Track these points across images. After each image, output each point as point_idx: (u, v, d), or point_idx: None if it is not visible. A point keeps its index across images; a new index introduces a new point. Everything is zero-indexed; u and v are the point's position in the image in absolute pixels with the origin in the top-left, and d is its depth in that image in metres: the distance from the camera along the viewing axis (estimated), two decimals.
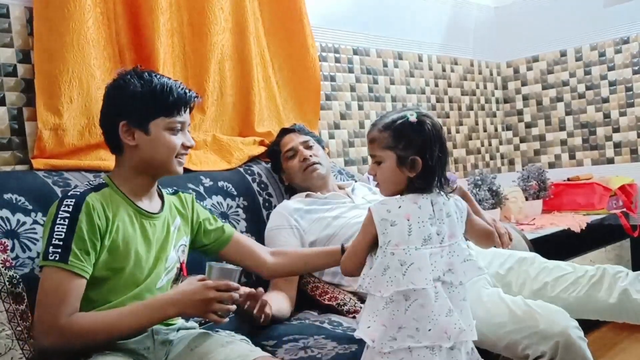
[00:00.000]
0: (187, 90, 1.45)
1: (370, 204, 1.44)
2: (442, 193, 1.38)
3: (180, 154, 1.46)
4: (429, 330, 1.31)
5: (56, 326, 1.25)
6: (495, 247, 2.01)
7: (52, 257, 1.27)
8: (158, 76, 1.43)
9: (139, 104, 1.39)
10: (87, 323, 1.28)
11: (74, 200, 1.32)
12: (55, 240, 1.28)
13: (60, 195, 1.60)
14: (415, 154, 1.34)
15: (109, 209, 1.36)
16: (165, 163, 1.44)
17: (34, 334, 1.30)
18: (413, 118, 1.35)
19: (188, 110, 1.46)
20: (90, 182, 1.43)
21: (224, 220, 1.73)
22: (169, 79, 1.45)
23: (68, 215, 1.30)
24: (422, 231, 1.34)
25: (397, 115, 1.38)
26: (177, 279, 1.52)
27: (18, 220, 1.56)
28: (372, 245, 1.37)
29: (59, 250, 1.28)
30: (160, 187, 1.55)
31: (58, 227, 1.29)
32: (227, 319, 1.35)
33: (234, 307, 1.34)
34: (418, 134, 1.34)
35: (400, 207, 1.34)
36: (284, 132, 2.23)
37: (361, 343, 1.45)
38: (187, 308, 1.31)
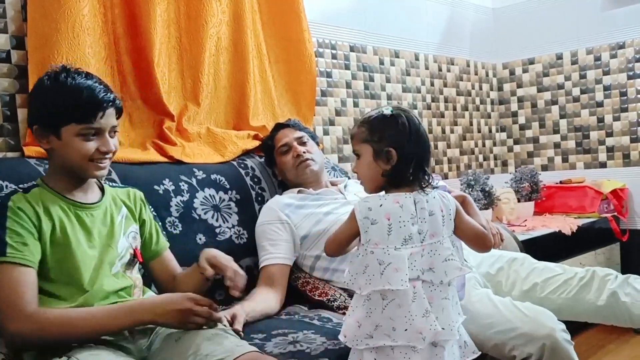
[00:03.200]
0: (102, 96, 1.39)
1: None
2: (425, 192, 1.38)
3: (96, 159, 1.41)
4: (405, 330, 1.31)
5: (25, 315, 1.26)
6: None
7: None
8: (77, 79, 1.39)
9: (49, 110, 1.38)
10: (62, 314, 1.30)
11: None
12: None
13: None
14: (389, 145, 1.36)
15: (37, 205, 1.36)
16: (79, 168, 1.41)
17: (5, 330, 1.29)
18: (387, 112, 1.39)
19: (108, 115, 1.40)
20: (21, 186, 1.43)
21: (163, 232, 1.71)
22: (93, 81, 1.40)
23: None
24: (403, 231, 1.34)
25: (375, 111, 1.42)
26: (130, 264, 1.52)
27: None
28: (356, 237, 1.39)
29: None
30: (101, 180, 1.54)
31: None
32: (205, 328, 1.35)
33: (217, 322, 1.35)
34: (391, 127, 1.37)
35: (381, 205, 1.35)
36: (279, 127, 2.23)
37: None
38: (162, 316, 1.32)
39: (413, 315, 1.31)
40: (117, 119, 1.46)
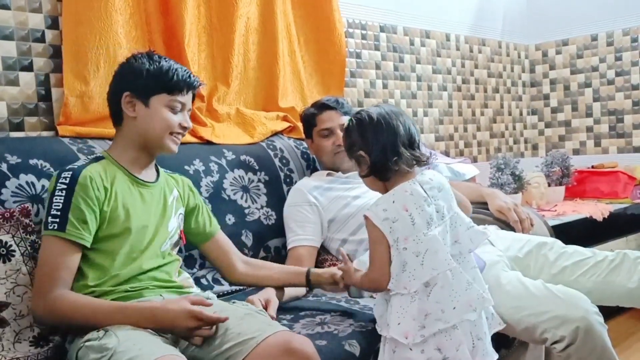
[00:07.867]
0: (192, 75, 1.52)
1: None
2: (423, 172, 1.43)
3: (176, 133, 1.50)
4: (454, 308, 1.34)
5: (47, 297, 1.31)
6: (514, 231, 2.02)
7: (52, 227, 1.34)
8: (168, 60, 1.51)
9: (144, 78, 1.47)
10: (71, 302, 1.31)
11: (71, 172, 1.38)
12: (53, 211, 1.35)
13: None
14: (358, 150, 1.44)
15: (106, 179, 1.42)
16: (159, 138, 1.48)
17: (31, 302, 1.37)
18: (345, 124, 1.49)
19: (190, 94, 1.53)
20: (88, 157, 1.49)
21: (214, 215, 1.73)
22: (179, 64, 1.52)
23: (65, 187, 1.36)
24: (423, 215, 1.36)
25: None
26: (176, 244, 1.58)
27: (43, 186, 1.57)
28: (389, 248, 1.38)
29: (57, 220, 1.34)
30: (157, 165, 1.60)
31: (56, 199, 1.36)
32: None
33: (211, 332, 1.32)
34: (350, 135, 1.47)
35: (393, 201, 1.37)
36: (325, 107, 2.09)
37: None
38: (163, 326, 1.30)
39: (456, 291, 1.35)
40: None
